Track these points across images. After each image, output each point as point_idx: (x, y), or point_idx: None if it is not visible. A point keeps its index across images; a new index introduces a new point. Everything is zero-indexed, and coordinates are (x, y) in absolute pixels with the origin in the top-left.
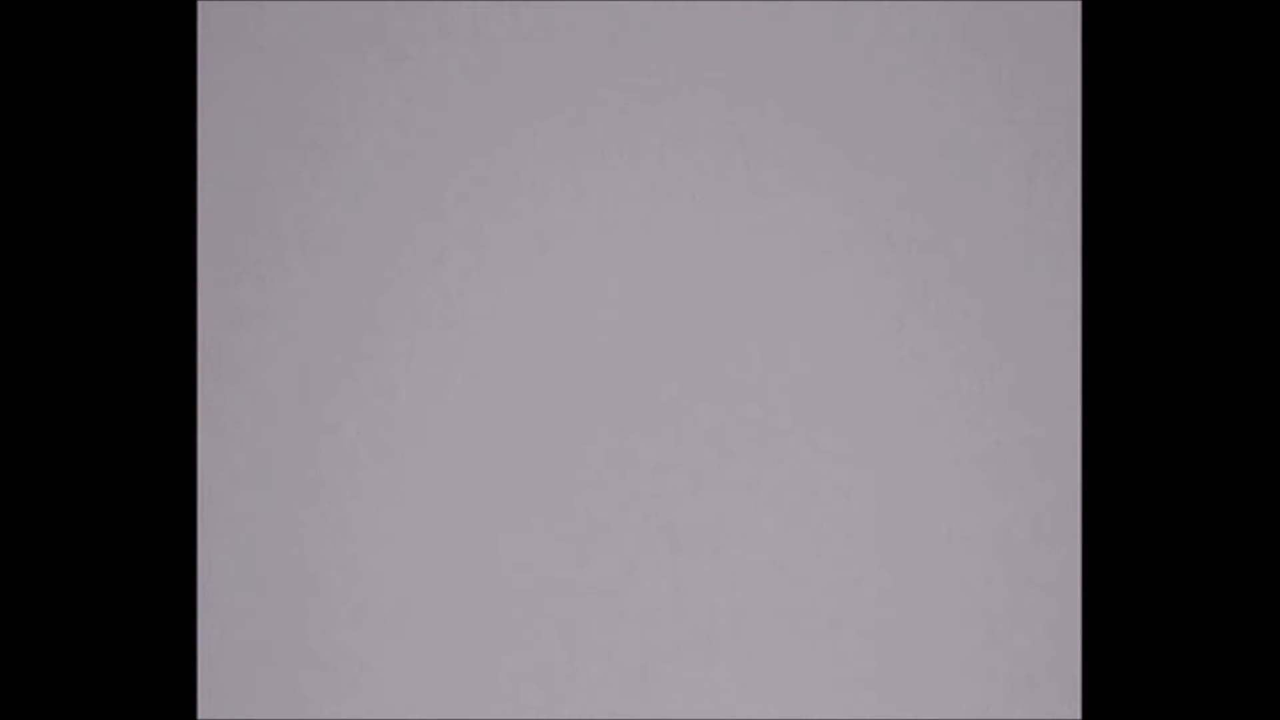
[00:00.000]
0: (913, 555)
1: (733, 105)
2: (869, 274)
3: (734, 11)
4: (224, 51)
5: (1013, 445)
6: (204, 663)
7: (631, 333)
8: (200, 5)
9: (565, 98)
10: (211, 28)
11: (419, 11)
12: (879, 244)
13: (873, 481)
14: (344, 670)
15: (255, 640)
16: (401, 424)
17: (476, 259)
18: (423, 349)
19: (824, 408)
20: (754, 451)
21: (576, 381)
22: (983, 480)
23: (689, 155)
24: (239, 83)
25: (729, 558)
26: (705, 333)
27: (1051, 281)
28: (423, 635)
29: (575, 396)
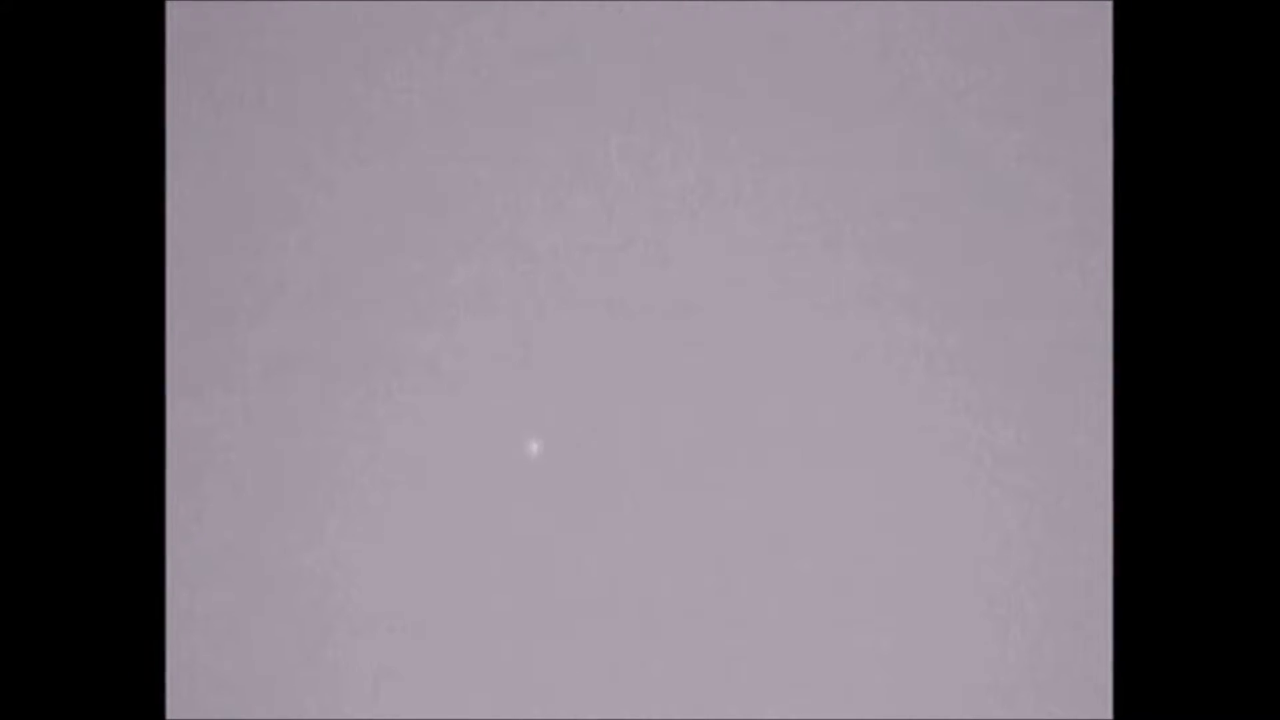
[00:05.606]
0: (933, 555)
1: (737, 107)
2: (882, 271)
3: (741, 11)
4: (197, 51)
5: (1042, 442)
6: (173, 665)
7: (629, 334)
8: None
9: (556, 98)
10: (191, 25)
11: (415, 10)
12: (893, 244)
13: (900, 479)
14: (328, 672)
15: (229, 642)
16: (394, 423)
17: (473, 262)
18: (415, 350)
19: (845, 409)
20: (766, 454)
21: (573, 383)
22: (1008, 477)
23: (695, 159)
24: (212, 82)
25: (739, 561)
26: (708, 334)
27: (1079, 277)
28: (415, 637)
29: (572, 399)
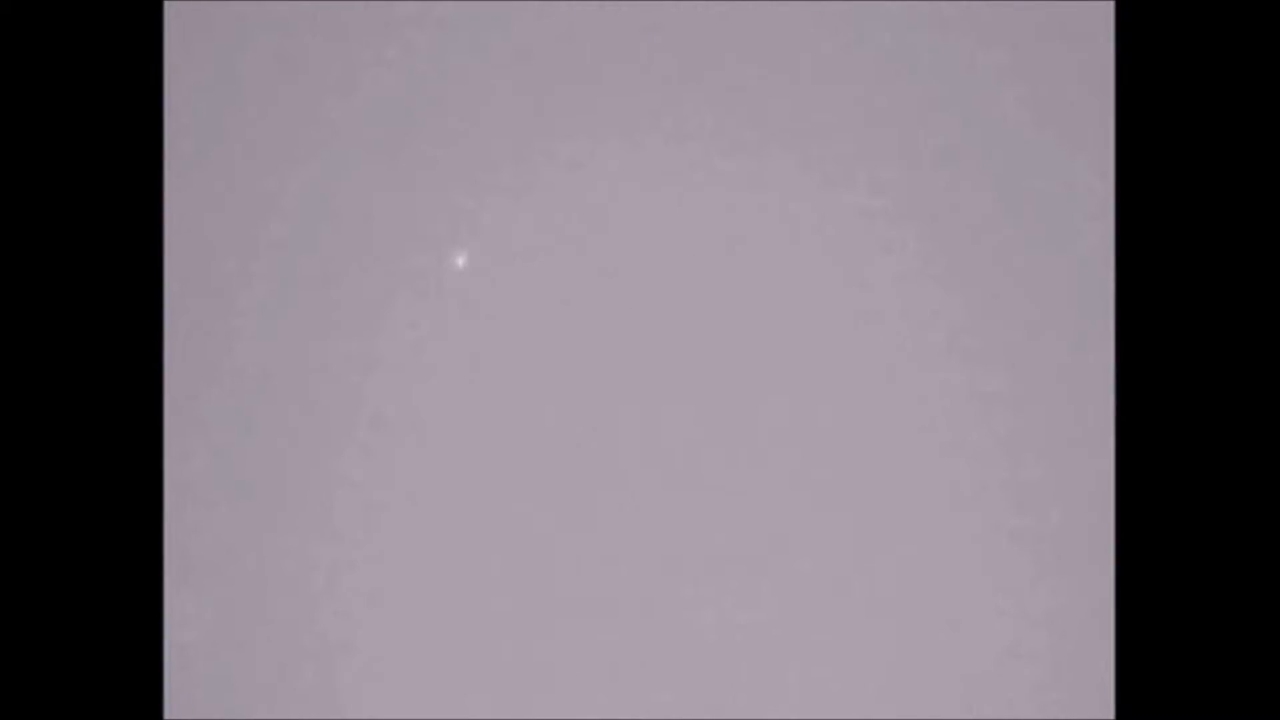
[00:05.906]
0: (933, 555)
1: (736, 107)
2: (882, 270)
3: (741, 11)
4: (195, 48)
5: (1042, 441)
6: (172, 665)
7: (629, 334)
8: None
9: (556, 98)
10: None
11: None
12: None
13: (900, 478)
14: (327, 672)
15: (229, 642)
16: (394, 422)
17: (469, 260)
18: (414, 349)
19: (848, 406)
20: (770, 452)
21: (573, 383)
22: (1012, 476)
23: (694, 158)
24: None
25: (738, 560)
26: (708, 334)
27: (1080, 276)
28: (415, 637)
29: (572, 398)
